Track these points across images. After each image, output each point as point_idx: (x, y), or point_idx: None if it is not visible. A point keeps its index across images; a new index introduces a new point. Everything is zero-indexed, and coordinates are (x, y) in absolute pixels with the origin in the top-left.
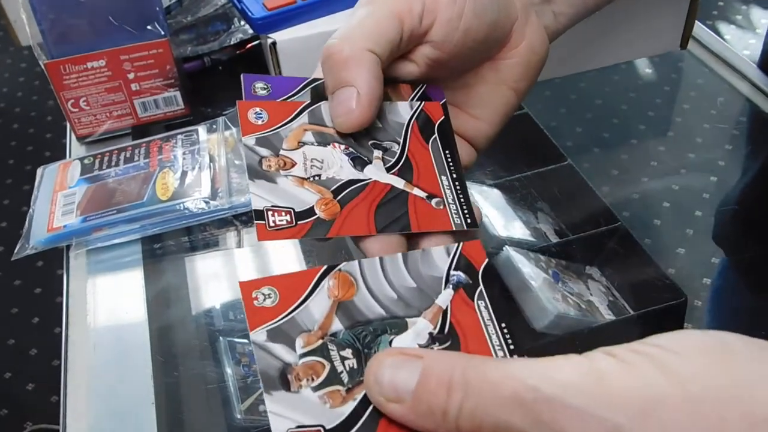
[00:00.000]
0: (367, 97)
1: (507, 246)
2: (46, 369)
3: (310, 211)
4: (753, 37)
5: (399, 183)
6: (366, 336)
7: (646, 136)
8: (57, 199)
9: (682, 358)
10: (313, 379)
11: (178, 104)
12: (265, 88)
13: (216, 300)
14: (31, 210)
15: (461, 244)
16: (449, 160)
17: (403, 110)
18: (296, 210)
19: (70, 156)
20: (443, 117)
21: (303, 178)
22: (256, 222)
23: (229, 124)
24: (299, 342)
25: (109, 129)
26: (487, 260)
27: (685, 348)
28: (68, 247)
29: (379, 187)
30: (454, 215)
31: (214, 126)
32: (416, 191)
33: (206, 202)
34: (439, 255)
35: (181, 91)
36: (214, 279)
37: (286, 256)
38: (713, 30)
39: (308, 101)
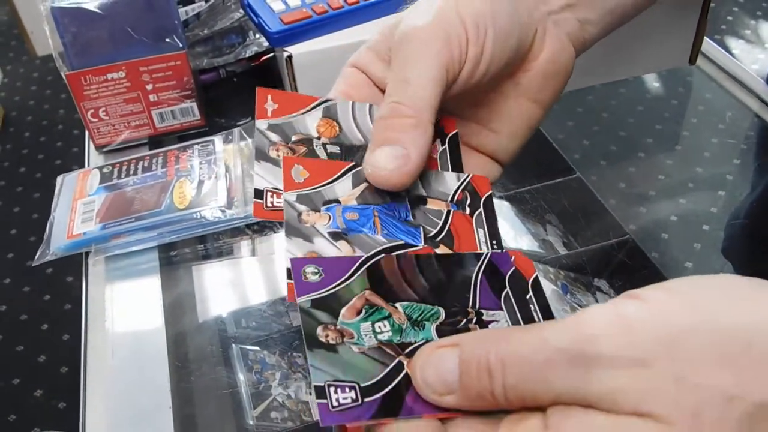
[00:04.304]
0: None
1: None
2: (54, 375)
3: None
4: (761, 52)
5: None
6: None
7: (653, 149)
8: (77, 207)
9: (708, 293)
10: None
11: (195, 115)
12: (316, 273)
13: (229, 307)
14: (51, 217)
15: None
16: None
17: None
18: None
19: (88, 165)
20: (489, 192)
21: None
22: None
23: (245, 134)
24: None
25: (127, 139)
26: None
27: (712, 286)
28: (87, 253)
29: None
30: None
31: (230, 137)
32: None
33: (222, 211)
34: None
35: (198, 102)
36: (228, 287)
37: None
38: (722, 45)
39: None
